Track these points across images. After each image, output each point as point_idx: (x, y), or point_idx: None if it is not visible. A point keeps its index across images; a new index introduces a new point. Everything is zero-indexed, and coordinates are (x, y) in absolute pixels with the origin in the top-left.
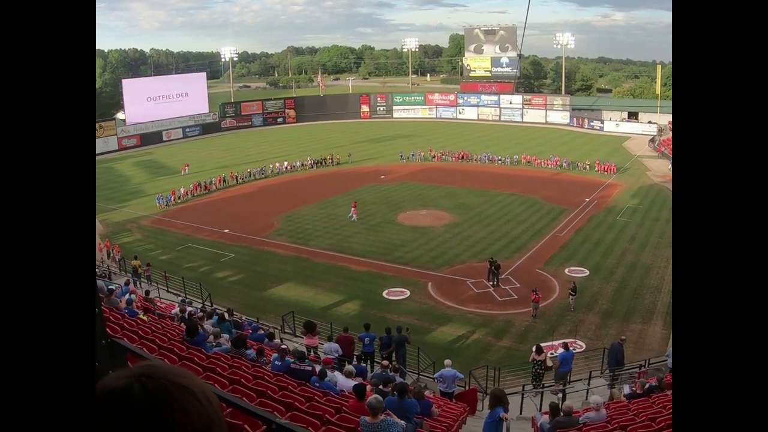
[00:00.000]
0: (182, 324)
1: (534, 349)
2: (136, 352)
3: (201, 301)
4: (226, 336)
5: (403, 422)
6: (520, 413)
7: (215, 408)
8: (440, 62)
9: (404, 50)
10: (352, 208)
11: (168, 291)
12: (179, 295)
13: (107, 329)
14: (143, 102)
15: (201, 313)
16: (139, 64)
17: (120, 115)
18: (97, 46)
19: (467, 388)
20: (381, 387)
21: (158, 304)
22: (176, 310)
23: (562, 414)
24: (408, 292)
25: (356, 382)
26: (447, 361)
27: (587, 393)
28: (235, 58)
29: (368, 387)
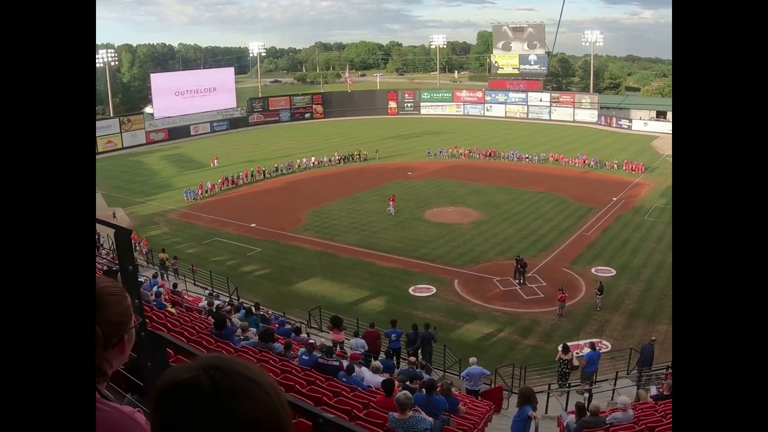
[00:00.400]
0: (210, 317)
1: (561, 348)
2: (176, 344)
3: (228, 295)
4: (253, 330)
5: (431, 419)
6: (546, 412)
7: (283, 401)
8: (468, 59)
9: (432, 47)
10: (391, 202)
11: (195, 284)
12: (206, 289)
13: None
14: (171, 96)
15: (228, 307)
16: (168, 58)
17: (148, 110)
18: (127, 41)
19: (493, 386)
20: (408, 383)
21: (185, 296)
22: (204, 303)
23: (588, 414)
24: (434, 289)
25: (383, 378)
26: (472, 359)
27: (613, 393)
28: (263, 54)
29: (396, 383)
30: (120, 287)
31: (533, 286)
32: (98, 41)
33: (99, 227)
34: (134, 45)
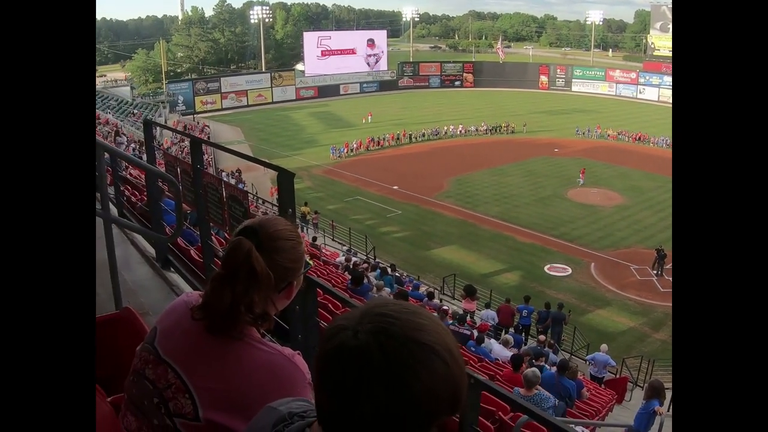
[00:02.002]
0: (346, 273)
1: None
2: (326, 287)
3: (365, 253)
4: (387, 290)
5: (555, 399)
6: (668, 411)
7: (462, 368)
8: (623, 38)
9: (587, 23)
10: (581, 174)
11: (333, 239)
12: (344, 245)
13: None
14: (323, 55)
15: (365, 265)
16: (321, 18)
17: (299, 67)
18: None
19: (618, 376)
20: (533, 361)
21: (324, 251)
22: (341, 258)
23: None
24: (570, 270)
25: (512, 352)
26: (603, 346)
27: None
28: (417, 19)
29: (524, 359)
30: (297, 232)
31: (671, 279)
32: None
33: (245, 176)
34: (288, 3)
